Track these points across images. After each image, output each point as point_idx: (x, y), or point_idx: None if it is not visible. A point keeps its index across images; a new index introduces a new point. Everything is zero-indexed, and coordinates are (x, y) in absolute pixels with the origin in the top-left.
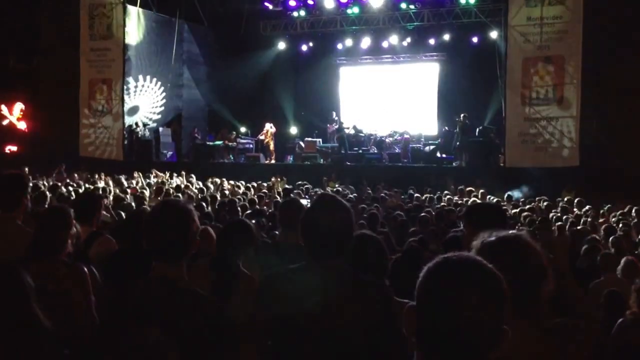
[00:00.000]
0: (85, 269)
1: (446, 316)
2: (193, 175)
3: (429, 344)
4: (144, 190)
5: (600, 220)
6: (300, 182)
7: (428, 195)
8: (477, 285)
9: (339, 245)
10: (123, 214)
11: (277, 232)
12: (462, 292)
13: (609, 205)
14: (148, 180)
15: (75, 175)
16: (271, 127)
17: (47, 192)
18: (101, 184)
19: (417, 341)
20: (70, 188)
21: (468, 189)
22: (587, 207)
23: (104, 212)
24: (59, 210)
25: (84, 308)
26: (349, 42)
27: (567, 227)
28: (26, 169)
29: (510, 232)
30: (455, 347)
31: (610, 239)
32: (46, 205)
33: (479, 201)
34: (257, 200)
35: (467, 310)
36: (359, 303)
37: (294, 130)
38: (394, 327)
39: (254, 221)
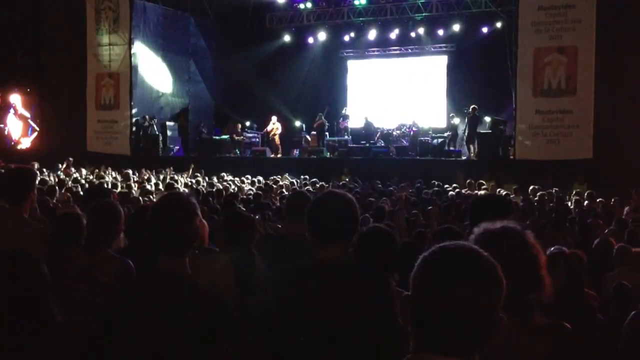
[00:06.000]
0: (131, 264)
1: (441, 305)
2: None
3: (424, 332)
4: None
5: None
6: (305, 176)
7: (436, 188)
8: (473, 274)
9: (344, 230)
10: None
11: (280, 225)
12: (458, 281)
13: (615, 197)
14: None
15: (83, 169)
16: (275, 123)
17: (56, 187)
18: (109, 178)
19: (413, 330)
20: (80, 182)
21: (478, 182)
22: (598, 200)
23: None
24: (111, 206)
25: None
26: (356, 34)
27: (577, 220)
28: (35, 164)
29: (509, 225)
30: (450, 336)
31: (627, 231)
32: (55, 200)
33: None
34: (262, 194)
35: (462, 298)
36: (358, 297)
37: (299, 124)
38: (393, 318)
39: (257, 216)
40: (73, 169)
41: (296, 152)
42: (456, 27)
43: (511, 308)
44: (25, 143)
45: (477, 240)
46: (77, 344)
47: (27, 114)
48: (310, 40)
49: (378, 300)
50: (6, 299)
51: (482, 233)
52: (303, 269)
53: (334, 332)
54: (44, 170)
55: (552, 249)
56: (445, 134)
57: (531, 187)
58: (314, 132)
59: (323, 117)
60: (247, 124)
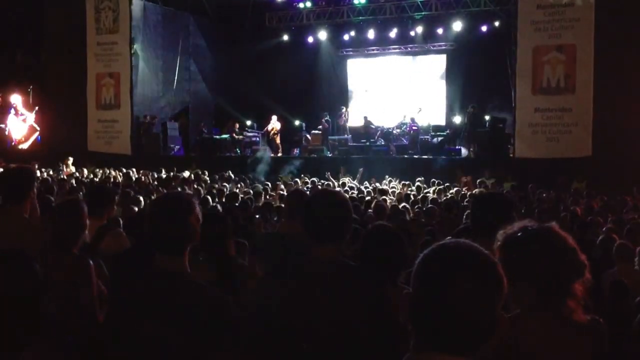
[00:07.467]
0: (91, 262)
1: (441, 303)
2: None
3: (424, 330)
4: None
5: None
6: (304, 176)
7: (436, 186)
8: (473, 272)
9: (338, 229)
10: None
11: (280, 223)
12: (458, 279)
13: (618, 197)
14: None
15: (84, 169)
16: (274, 123)
17: (55, 186)
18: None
19: (413, 328)
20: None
21: (479, 180)
22: (597, 197)
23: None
24: (72, 204)
25: (87, 300)
26: (355, 33)
27: (572, 217)
28: (36, 164)
29: (542, 224)
30: (450, 334)
31: (626, 228)
32: (53, 198)
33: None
34: (263, 194)
35: (462, 296)
36: (352, 295)
37: (299, 123)
38: (388, 317)
39: (257, 216)
40: (73, 168)
41: (296, 151)
42: (455, 26)
43: (547, 301)
44: (27, 144)
45: (514, 236)
46: (77, 344)
47: (28, 114)
48: (310, 39)
49: (373, 299)
50: (1, 299)
51: (517, 232)
52: (298, 268)
53: (328, 331)
54: (44, 170)
55: None
56: (445, 132)
57: (530, 185)
58: (315, 131)
59: (328, 117)
60: (248, 123)
